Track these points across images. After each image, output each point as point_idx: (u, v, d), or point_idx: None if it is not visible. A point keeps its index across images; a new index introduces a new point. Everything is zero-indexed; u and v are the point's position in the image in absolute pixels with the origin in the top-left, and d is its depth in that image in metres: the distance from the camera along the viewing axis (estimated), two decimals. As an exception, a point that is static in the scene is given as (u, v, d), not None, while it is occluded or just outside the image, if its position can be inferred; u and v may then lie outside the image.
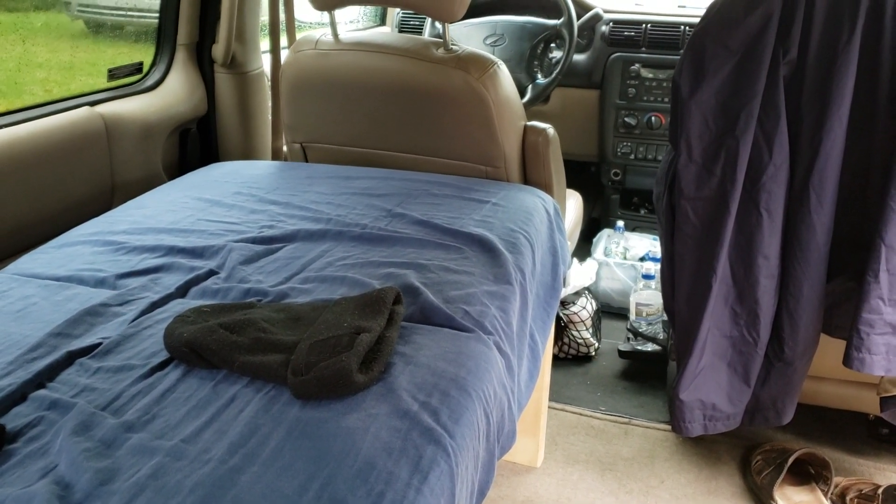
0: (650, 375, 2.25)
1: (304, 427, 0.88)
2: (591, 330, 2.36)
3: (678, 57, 1.58)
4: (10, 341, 1.07)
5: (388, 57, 1.79)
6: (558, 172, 1.91)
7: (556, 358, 2.34)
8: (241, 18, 2.05)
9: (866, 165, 1.48)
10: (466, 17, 2.27)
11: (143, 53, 2.03)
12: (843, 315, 1.58)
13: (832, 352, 1.64)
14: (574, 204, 2.24)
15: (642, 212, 3.00)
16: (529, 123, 1.84)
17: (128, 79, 1.94)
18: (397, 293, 1.14)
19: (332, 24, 1.82)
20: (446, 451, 0.87)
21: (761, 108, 1.49)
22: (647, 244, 2.73)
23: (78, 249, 1.39)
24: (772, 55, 1.46)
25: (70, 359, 1.03)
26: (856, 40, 1.42)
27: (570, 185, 2.19)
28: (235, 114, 2.11)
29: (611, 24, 2.81)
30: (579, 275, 2.45)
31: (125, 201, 1.65)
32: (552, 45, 2.68)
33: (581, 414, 2.08)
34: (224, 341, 1.01)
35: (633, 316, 2.43)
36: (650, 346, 2.28)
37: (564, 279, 1.92)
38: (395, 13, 3.13)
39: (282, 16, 2.16)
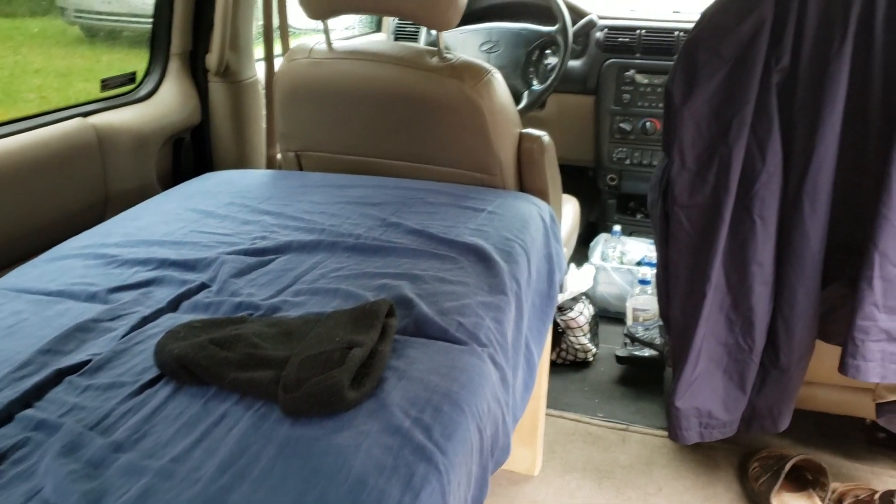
0: (648, 381, 2.25)
1: (295, 445, 0.87)
2: (588, 335, 2.36)
3: (673, 63, 1.57)
4: (-1, 359, 1.06)
5: (382, 65, 1.79)
6: (554, 179, 1.91)
7: (553, 364, 2.34)
8: (235, 27, 2.05)
9: (859, 172, 1.48)
10: (461, 23, 2.27)
11: (140, 58, 2.03)
12: (839, 321, 1.57)
13: (828, 357, 1.63)
14: (571, 210, 2.24)
15: (639, 216, 3.00)
16: (525, 131, 1.84)
17: (121, 89, 1.93)
18: (390, 306, 1.13)
19: (326, 33, 1.82)
20: (438, 468, 0.86)
21: (754, 116, 1.48)
22: (644, 248, 2.73)
23: (69, 263, 1.38)
24: (764, 62, 1.46)
25: (59, 377, 1.02)
26: (847, 47, 1.41)
27: (567, 189, 2.19)
28: (229, 123, 2.11)
29: (605, 30, 2.81)
30: (577, 280, 2.44)
31: (119, 212, 1.65)
32: (547, 51, 2.68)
33: (579, 421, 2.07)
34: (214, 357, 1.00)
35: (629, 321, 2.43)
36: (647, 352, 2.27)
37: (561, 285, 1.91)
38: (391, 20, 3.13)
39: (276, 23, 2.16)
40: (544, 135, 1.83)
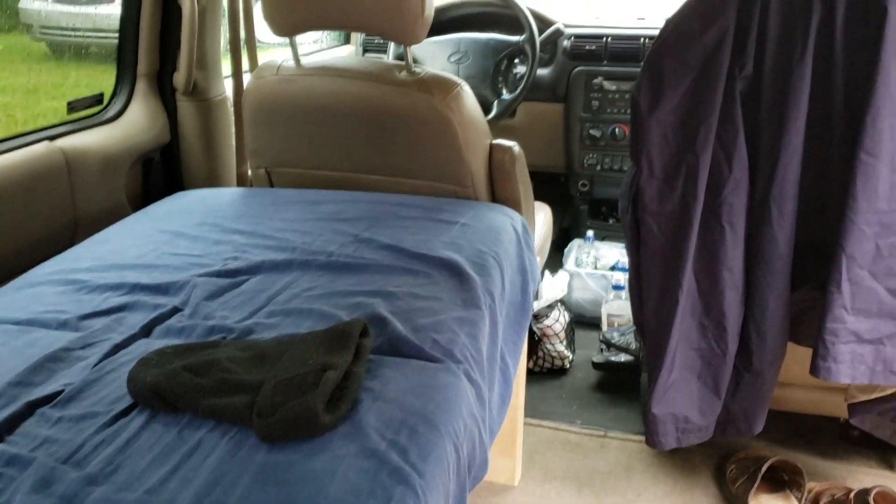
0: (624, 386, 2.26)
1: (271, 472, 0.87)
2: (564, 342, 2.37)
3: (639, 69, 1.59)
4: (-32, 393, 1.05)
5: (350, 81, 1.79)
6: (525, 188, 1.92)
7: (531, 372, 2.34)
8: (202, 45, 2.04)
9: (825, 177, 1.50)
10: (430, 34, 2.28)
11: (109, 74, 2.01)
12: (809, 324, 1.59)
13: (800, 358, 1.65)
14: (543, 217, 2.25)
15: (611, 221, 3.02)
16: (495, 142, 1.85)
17: (88, 111, 1.92)
18: (364, 326, 1.13)
19: (294, 49, 1.82)
20: (415, 490, 0.86)
21: (720, 124, 1.50)
22: (617, 253, 2.75)
23: (39, 290, 1.37)
24: (728, 71, 1.48)
25: (30, 409, 1.01)
26: (809, 55, 1.44)
27: (540, 196, 2.20)
28: (199, 141, 2.10)
29: (572, 38, 2.83)
30: (551, 287, 2.46)
31: (88, 236, 1.63)
32: (516, 60, 2.70)
33: (557, 429, 2.08)
34: (188, 384, 1.00)
35: (605, 327, 2.44)
36: (623, 357, 2.28)
37: (536, 293, 1.92)
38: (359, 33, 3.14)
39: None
40: (514, 145, 1.84)
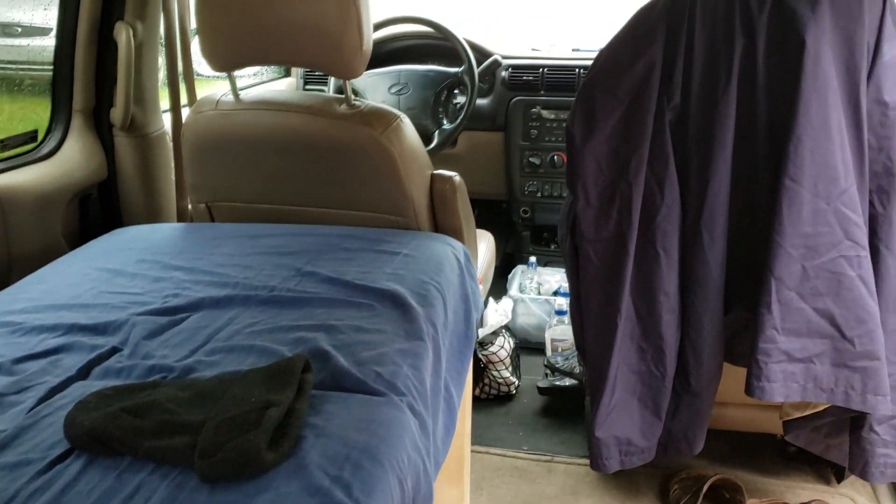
0: (570, 410, 2.29)
1: (213, 513, 0.86)
2: (510, 369, 2.39)
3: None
4: None
5: (290, 114, 1.80)
6: (467, 217, 1.94)
7: (477, 399, 2.36)
8: (139, 81, 2.02)
9: (752, 202, 1.56)
10: (371, 66, 2.30)
11: (45, 108, 1.98)
12: (744, 344, 1.64)
13: (736, 378, 1.70)
14: (486, 245, 2.28)
15: (553, 247, 3.07)
16: (436, 172, 1.87)
17: (21, 148, 1.88)
18: (306, 361, 1.13)
19: (232, 84, 1.82)
20: (359, 525, 0.87)
21: (651, 153, 1.55)
22: (560, 278, 2.79)
23: (-29, 334, 1.33)
24: (657, 102, 1.53)
25: (-37, 459, 0.99)
26: (733, 85, 1.50)
27: (484, 223, 2.23)
28: (137, 176, 2.08)
29: (510, 69, 2.89)
30: (496, 314, 2.48)
31: (24, 276, 1.60)
32: (455, 91, 2.74)
33: (504, 455, 2.09)
34: (127, 427, 0.99)
35: (549, 352, 2.47)
36: (568, 381, 2.31)
37: (481, 320, 1.94)
38: (299, 64, 3.14)
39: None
40: (455, 175, 1.87)
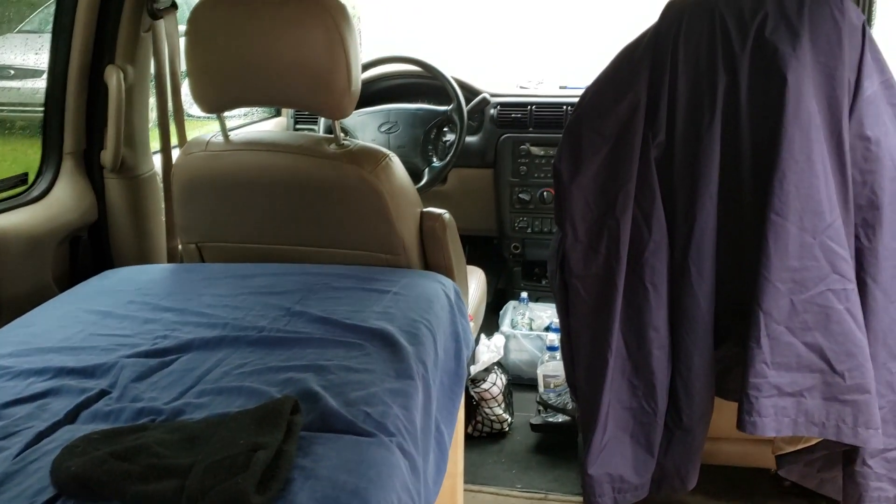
0: (563, 446, 2.28)
1: (200, 559, 0.86)
2: (502, 405, 2.38)
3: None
4: None
5: (280, 155, 1.81)
6: (457, 255, 1.95)
7: (470, 437, 2.35)
8: (130, 123, 2.04)
9: (739, 237, 1.58)
10: (360, 105, 2.32)
11: (36, 149, 1.99)
12: (735, 379, 1.64)
13: (728, 413, 1.70)
14: (477, 281, 2.28)
15: (544, 282, 3.08)
16: (425, 210, 1.88)
17: (12, 191, 1.89)
18: (295, 402, 1.13)
19: (222, 125, 1.83)
20: (347, 569, 0.86)
21: (637, 189, 1.57)
22: (552, 313, 2.78)
23: (-41, 379, 1.33)
24: (642, 139, 1.55)
25: (-53, 508, 0.98)
26: (717, 122, 1.52)
27: (475, 259, 2.23)
28: (128, 218, 2.08)
29: (498, 107, 2.92)
30: (488, 350, 2.48)
31: (13, 319, 1.60)
32: (445, 129, 2.77)
33: (498, 493, 2.08)
34: (115, 472, 0.98)
35: (541, 388, 2.46)
36: (561, 417, 2.31)
37: (472, 357, 1.93)
38: (290, 103, 3.17)
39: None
40: (444, 213, 1.88)
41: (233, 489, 0.92)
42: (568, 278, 1.68)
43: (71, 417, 1.20)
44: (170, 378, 1.30)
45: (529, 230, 2.94)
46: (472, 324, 1.90)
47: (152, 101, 2.16)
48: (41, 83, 2.00)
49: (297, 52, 1.64)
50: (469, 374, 2.31)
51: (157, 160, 2.18)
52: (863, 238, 1.56)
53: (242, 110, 3.09)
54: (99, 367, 1.34)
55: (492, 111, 2.92)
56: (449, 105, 2.68)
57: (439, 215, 1.86)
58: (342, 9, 1.64)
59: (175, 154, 2.05)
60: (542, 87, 3.10)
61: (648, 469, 1.72)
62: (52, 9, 1.93)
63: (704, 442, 1.72)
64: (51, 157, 1.97)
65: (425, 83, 2.92)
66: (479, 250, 3.19)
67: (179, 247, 2.03)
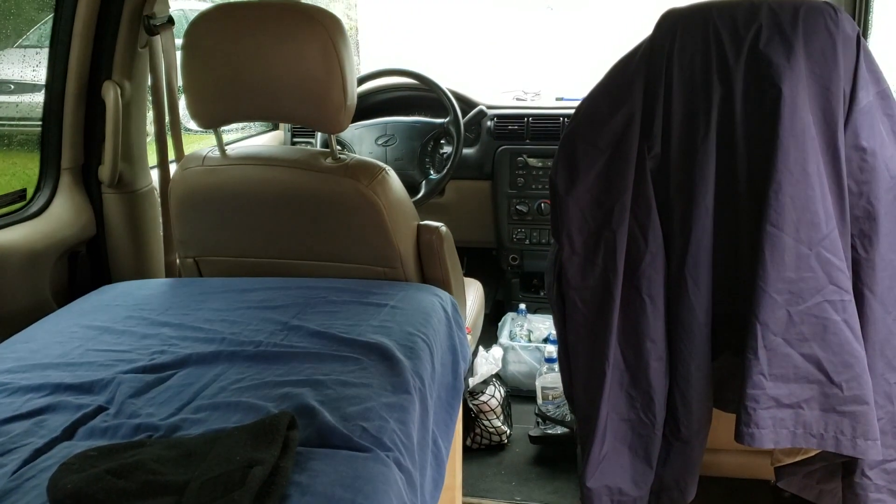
0: (562, 458, 2.28)
1: (196, 577, 0.85)
2: (501, 418, 2.38)
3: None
4: None
5: (276, 169, 1.81)
6: (454, 267, 1.95)
7: (468, 450, 2.34)
8: (127, 138, 2.04)
9: (735, 248, 1.58)
10: (357, 119, 2.33)
11: (36, 163, 1.99)
12: (733, 390, 1.64)
13: (727, 424, 1.70)
14: (474, 294, 2.28)
15: (542, 294, 3.08)
16: (422, 223, 1.88)
17: (10, 207, 1.89)
18: (291, 418, 1.13)
19: (219, 140, 1.84)
20: (343, 586, 0.86)
21: (633, 201, 1.57)
22: (550, 325, 2.79)
23: (-43, 396, 1.33)
24: (638, 151, 1.56)
25: (-56, 526, 0.98)
26: (712, 134, 1.53)
27: (473, 271, 2.23)
28: (126, 233, 2.09)
29: (495, 119, 2.93)
30: (486, 362, 2.47)
31: (11, 335, 1.60)
32: (442, 141, 2.78)
33: (497, 506, 2.08)
34: (111, 489, 0.98)
35: (540, 400, 2.46)
36: (560, 429, 2.30)
37: (471, 370, 1.93)
38: (287, 116, 3.18)
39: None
40: (441, 225, 1.88)
41: (229, 506, 0.92)
42: (565, 290, 1.68)
43: (68, 434, 1.20)
44: (167, 394, 1.31)
45: (527, 241, 2.94)
46: (469, 336, 1.90)
47: (149, 116, 2.17)
48: (39, 98, 2.01)
49: (292, 67, 1.64)
50: (467, 387, 2.31)
51: (154, 175, 2.19)
52: (859, 249, 1.56)
53: (239, 124, 3.10)
54: (96, 383, 1.34)
55: (488, 123, 2.93)
56: (446, 117, 2.69)
57: (436, 228, 1.87)
58: (337, 23, 1.65)
59: (172, 169, 2.05)
60: (539, 99, 3.11)
61: (647, 481, 1.71)
62: (50, 25, 1.94)
63: (703, 453, 1.72)
64: (49, 173, 1.98)
65: (422, 96, 2.93)
66: (477, 262, 3.19)
67: (177, 261, 2.04)
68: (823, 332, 1.52)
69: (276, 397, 1.25)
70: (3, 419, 1.23)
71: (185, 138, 2.21)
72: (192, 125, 2.27)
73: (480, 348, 2.53)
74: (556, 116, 2.88)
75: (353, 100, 1.70)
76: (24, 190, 1.95)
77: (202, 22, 1.70)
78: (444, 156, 2.78)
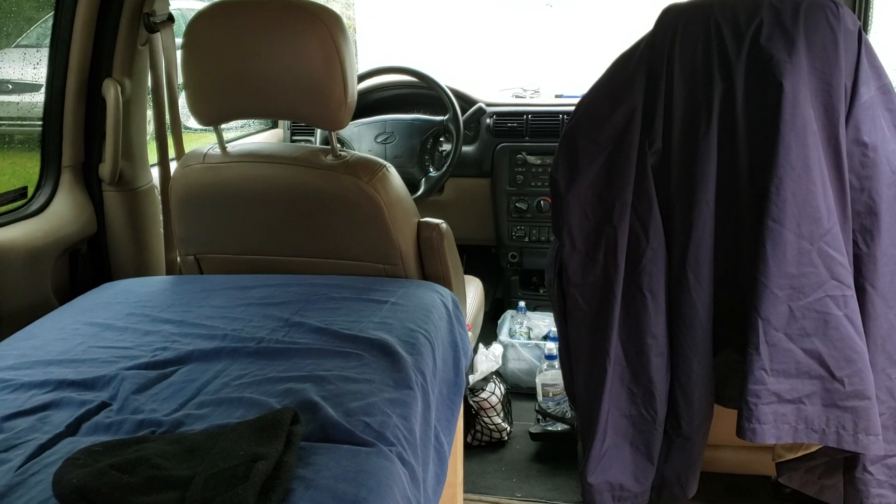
0: (563, 455, 2.28)
1: (201, 570, 0.86)
2: (501, 415, 2.38)
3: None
4: None
5: (277, 166, 1.81)
6: (455, 264, 1.95)
7: (469, 447, 2.34)
8: (128, 136, 2.04)
9: (736, 244, 1.58)
10: (357, 116, 2.34)
11: (36, 162, 1.99)
12: (734, 386, 1.65)
13: (728, 420, 1.70)
14: (474, 291, 2.29)
15: (542, 291, 3.08)
16: (423, 220, 1.88)
17: (11, 205, 1.89)
18: (294, 413, 1.13)
19: (219, 138, 1.84)
20: (348, 579, 0.86)
21: (634, 197, 1.58)
22: (550, 322, 2.79)
23: (-41, 393, 1.33)
24: (639, 147, 1.56)
25: (-51, 521, 0.98)
26: (713, 130, 1.53)
27: (472, 269, 2.23)
28: (127, 231, 2.09)
29: (494, 116, 2.93)
30: (486, 360, 2.48)
31: (13, 332, 1.60)
32: (441, 139, 2.78)
33: (497, 502, 2.08)
34: (115, 484, 0.98)
35: (540, 397, 2.46)
36: (560, 426, 2.31)
37: (471, 367, 1.93)
38: (286, 114, 3.18)
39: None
40: (441, 222, 1.88)
41: (233, 500, 0.92)
42: (566, 287, 1.68)
43: (72, 430, 1.20)
44: (170, 390, 1.31)
45: (527, 239, 2.94)
46: (470, 333, 1.90)
47: (150, 113, 2.17)
48: (39, 97, 2.01)
49: (293, 65, 1.64)
50: (468, 384, 2.31)
51: (154, 173, 2.19)
52: (861, 244, 1.57)
53: (239, 122, 3.10)
54: (99, 380, 1.34)
55: (488, 121, 2.93)
56: (445, 115, 2.69)
57: (436, 225, 1.87)
58: (338, 20, 1.65)
59: (173, 166, 2.05)
60: (538, 97, 3.11)
61: (648, 476, 1.71)
62: (50, 23, 1.94)
63: (704, 449, 1.72)
64: (50, 171, 1.98)
65: (421, 93, 2.93)
66: (477, 259, 3.19)
67: (178, 259, 2.04)
68: (825, 327, 1.52)
69: (278, 393, 1.25)
70: (7, 415, 1.23)
71: (185, 137, 2.21)
72: (192, 123, 2.27)
73: (480, 345, 2.53)
74: (556, 114, 2.88)
75: (353, 97, 1.70)
76: (25, 188, 1.95)
77: (202, 19, 1.70)
78: (444, 153, 2.78)
